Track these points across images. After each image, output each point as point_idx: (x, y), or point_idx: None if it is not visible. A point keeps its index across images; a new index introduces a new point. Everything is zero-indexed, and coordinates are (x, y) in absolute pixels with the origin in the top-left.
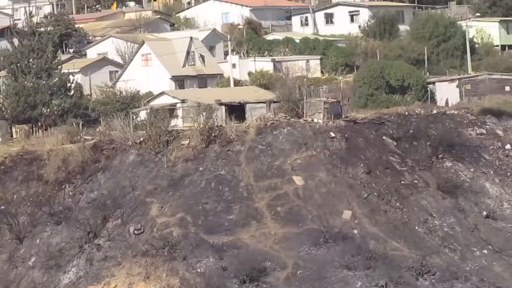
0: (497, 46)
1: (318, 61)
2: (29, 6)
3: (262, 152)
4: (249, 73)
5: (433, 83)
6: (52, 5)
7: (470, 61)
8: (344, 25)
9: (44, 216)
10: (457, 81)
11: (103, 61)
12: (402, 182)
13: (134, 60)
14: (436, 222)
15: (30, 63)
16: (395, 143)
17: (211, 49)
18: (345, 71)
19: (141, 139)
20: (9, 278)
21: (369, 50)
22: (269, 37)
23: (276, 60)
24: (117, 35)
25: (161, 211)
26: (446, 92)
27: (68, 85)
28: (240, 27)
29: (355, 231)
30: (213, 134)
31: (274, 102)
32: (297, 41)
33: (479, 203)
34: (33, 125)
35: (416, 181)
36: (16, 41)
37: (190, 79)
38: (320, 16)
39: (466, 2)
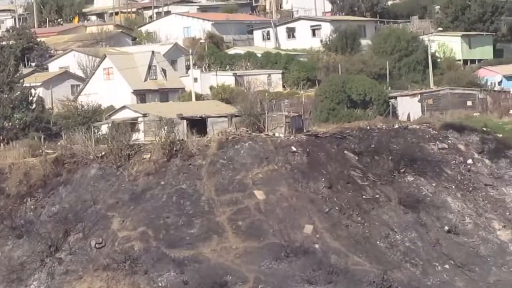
0: (459, 60)
1: (280, 76)
2: None
3: (223, 166)
4: (211, 87)
5: (395, 97)
6: (14, 19)
7: (432, 75)
8: (306, 39)
9: (6, 230)
10: (419, 96)
11: (65, 75)
12: (364, 196)
13: (95, 74)
14: (397, 236)
15: None
16: (356, 158)
17: (173, 63)
18: (306, 85)
19: (103, 153)
20: None
21: (330, 64)
22: (231, 51)
23: (237, 74)
24: (79, 49)
25: (123, 225)
26: (408, 107)
27: (30, 99)
28: (201, 41)
29: (317, 246)
30: (174, 148)
31: (236, 116)
32: (259, 55)
33: (440, 217)
34: None
35: (377, 196)
36: None
37: (152, 93)
38: (282, 30)
39: (428, 16)
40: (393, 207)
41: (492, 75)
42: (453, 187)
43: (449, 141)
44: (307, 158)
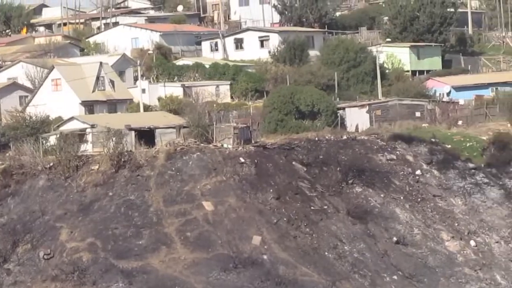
0: (408, 71)
1: (228, 87)
2: None
3: (171, 177)
4: (159, 98)
5: (343, 108)
6: None
7: (380, 86)
8: (254, 50)
9: None
10: (367, 107)
11: (13, 85)
12: (312, 207)
13: (44, 85)
14: (346, 247)
15: None
16: (305, 169)
17: (121, 74)
18: (255, 96)
19: (51, 164)
20: None
21: (279, 75)
22: (179, 62)
23: (185, 85)
24: (27, 60)
25: (71, 236)
26: (356, 118)
27: None
28: (150, 52)
29: (265, 257)
30: (122, 159)
31: (184, 127)
32: (207, 66)
33: (389, 228)
34: None
35: (326, 207)
36: None
37: (100, 104)
38: (230, 41)
39: (376, 27)
40: (341, 218)
41: (441, 86)
42: (402, 198)
43: (397, 152)
44: (255, 169)
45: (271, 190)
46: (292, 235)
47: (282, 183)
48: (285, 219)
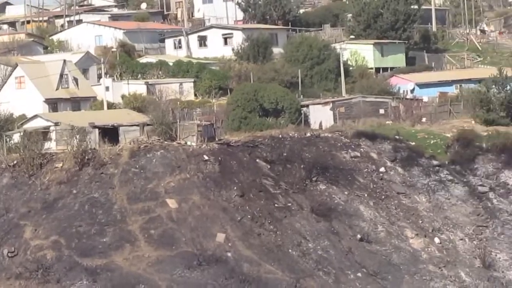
0: (372, 68)
1: (192, 84)
2: None
3: (135, 175)
4: (123, 96)
5: (307, 106)
6: None
7: (344, 83)
8: (218, 48)
9: None
10: (331, 104)
11: None
12: (276, 205)
13: (7, 83)
14: (310, 245)
15: None
16: (268, 166)
17: (85, 72)
18: (218, 94)
19: (15, 162)
20: None
21: (242, 73)
22: (143, 60)
23: (149, 83)
24: None
25: (35, 233)
26: (320, 115)
27: None
28: (113, 50)
29: (229, 254)
30: (86, 157)
31: (148, 125)
32: (171, 64)
33: (353, 226)
34: None
35: (289, 204)
36: None
37: (64, 102)
38: (193, 39)
39: (340, 24)
40: (305, 216)
41: (405, 83)
42: (366, 195)
43: (361, 149)
44: (219, 167)
45: (235, 188)
46: (256, 232)
47: (246, 180)
48: (249, 216)
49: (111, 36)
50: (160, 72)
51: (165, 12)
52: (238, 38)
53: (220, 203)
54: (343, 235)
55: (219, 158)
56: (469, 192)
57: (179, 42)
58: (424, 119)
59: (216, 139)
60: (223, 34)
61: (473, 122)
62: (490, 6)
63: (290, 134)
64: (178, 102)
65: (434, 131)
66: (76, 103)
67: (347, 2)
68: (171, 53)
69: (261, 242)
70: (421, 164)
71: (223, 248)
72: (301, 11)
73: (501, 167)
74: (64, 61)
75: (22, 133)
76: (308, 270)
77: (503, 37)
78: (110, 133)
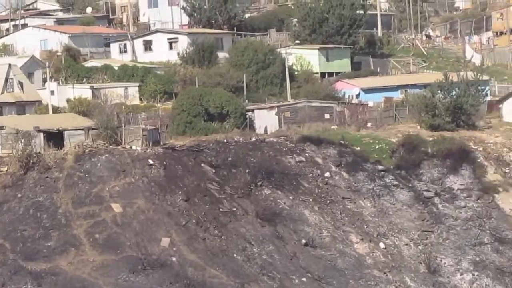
0: (317, 73)
1: (137, 88)
2: None
3: (80, 179)
4: (68, 100)
5: (252, 110)
6: None
7: (289, 88)
8: (163, 52)
9: None
10: (276, 109)
11: None
12: (221, 209)
13: None
14: (255, 249)
15: None
16: (213, 171)
17: (30, 76)
18: (163, 98)
19: None
20: None
21: (188, 77)
22: (88, 64)
23: (94, 87)
24: None
25: None
26: (265, 120)
27: None
28: (58, 54)
29: (174, 259)
30: (31, 161)
31: (93, 129)
32: (116, 68)
33: (298, 231)
34: None
35: (234, 209)
36: None
37: (9, 106)
38: (139, 43)
39: (286, 29)
40: (250, 220)
41: (350, 88)
42: (311, 200)
43: (306, 154)
44: (164, 171)
45: (180, 192)
46: (201, 237)
47: (191, 185)
48: (194, 221)
49: (57, 40)
50: (105, 76)
51: (111, 17)
52: (183, 43)
53: (165, 208)
54: (288, 240)
55: (164, 163)
56: (414, 197)
57: (125, 46)
58: (369, 124)
59: (161, 144)
60: (168, 39)
61: (418, 127)
62: (436, 11)
63: (235, 139)
64: (123, 107)
65: (379, 136)
66: (21, 107)
67: (293, 7)
68: (117, 57)
69: (206, 247)
70: (366, 169)
71: (167, 253)
72: (247, 15)
73: (446, 172)
74: (9, 65)
75: None
76: (252, 275)
77: (449, 42)
78: (55, 137)
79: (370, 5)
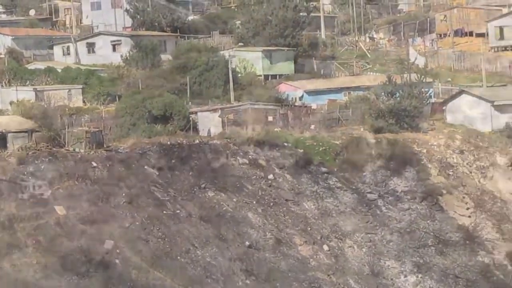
0: (260, 75)
1: (80, 91)
2: None
3: (23, 181)
4: (11, 103)
5: (196, 113)
6: None
7: (232, 90)
8: (107, 54)
9: None
10: (219, 111)
11: None
12: (164, 212)
13: None
14: (198, 252)
15: None
16: (157, 173)
17: None
18: (107, 100)
19: None
20: None
21: (131, 79)
22: (31, 66)
23: (38, 89)
24: None
25: None
26: (209, 122)
27: None
28: (1, 56)
29: (117, 261)
30: None
31: (36, 131)
32: (59, 70)
33: (241, 233)
34: None
35: (178, 211)
36: None
37: None
38: (82, 45)
39: (229, 31)
40: (194, 223)
41: (293, 90)
42: (254, 202)
43: (250, 156)
44: (107, 173)
45: (123, 194)
46: (145, 239)
47: (134, 187)
48: (137, 223)
49: None
50: (48, 79)
51: (54, 19)
52: (126, 45)
53: (108, 210)
54: (232, 242)
55: (108, 165)
56: (358, 199)
57: (68, 48)
58: (312, 126)
59: (105, 146)
60: (111, 41)
61: (362, 129)
62: (379, 14)
63: (179, 141)
64: (67, 109)
65: (323, 138)
66: None
67: (236, 10)
68: (60, 59)
69: (150, 249)
70: (310, 171)
71: (111, 255)
72: (190, 18)
73: (390, 175)
74: None
75: None
76: (196, 277)
77: (392, 44)
78: None
79: (314, 7)
